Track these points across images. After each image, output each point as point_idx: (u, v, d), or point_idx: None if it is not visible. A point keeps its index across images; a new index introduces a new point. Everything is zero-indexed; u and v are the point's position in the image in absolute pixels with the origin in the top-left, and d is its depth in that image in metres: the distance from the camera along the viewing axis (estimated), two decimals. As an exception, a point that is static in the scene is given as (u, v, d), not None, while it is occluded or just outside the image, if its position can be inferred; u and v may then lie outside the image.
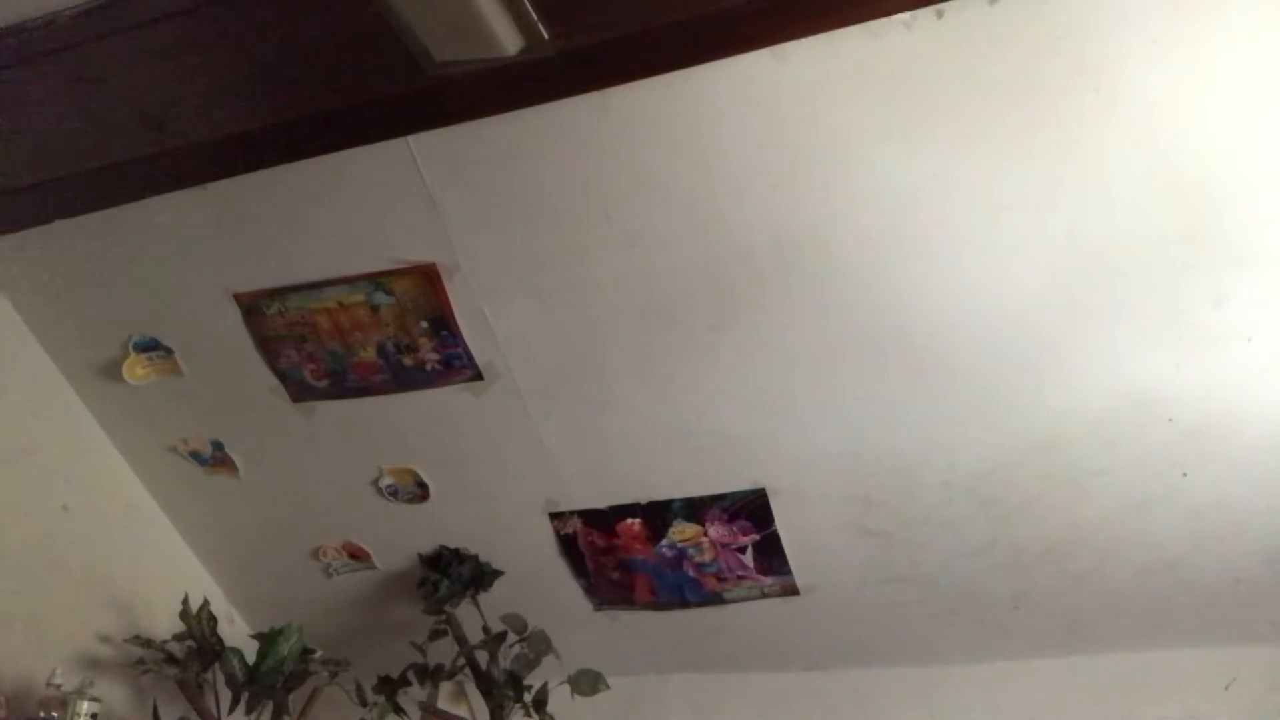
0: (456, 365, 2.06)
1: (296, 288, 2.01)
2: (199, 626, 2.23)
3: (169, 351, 2.20)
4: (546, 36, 1.48)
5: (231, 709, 2.21)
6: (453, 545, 2.44)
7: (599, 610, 2.50)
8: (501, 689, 2.25)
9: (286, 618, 2.26)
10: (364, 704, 2.28)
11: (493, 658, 2.27)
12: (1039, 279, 1.70)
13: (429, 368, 2.07)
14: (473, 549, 2.43)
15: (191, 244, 2.00)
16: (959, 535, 2.10)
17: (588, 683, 2.26)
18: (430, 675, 2.33)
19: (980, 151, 1.57)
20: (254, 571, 2.65)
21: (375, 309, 2.00)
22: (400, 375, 2.10)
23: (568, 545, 2.37)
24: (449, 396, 2.12)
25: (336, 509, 2.44)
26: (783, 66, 1.54)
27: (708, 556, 2.28)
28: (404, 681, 2.33)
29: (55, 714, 2.00)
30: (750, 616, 2.39)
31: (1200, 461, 1.89)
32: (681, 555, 2.30)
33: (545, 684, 2.28)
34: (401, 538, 2.46)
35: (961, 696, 2.34)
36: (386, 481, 2.34)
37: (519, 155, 1.72)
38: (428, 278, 1.93)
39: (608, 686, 2.27)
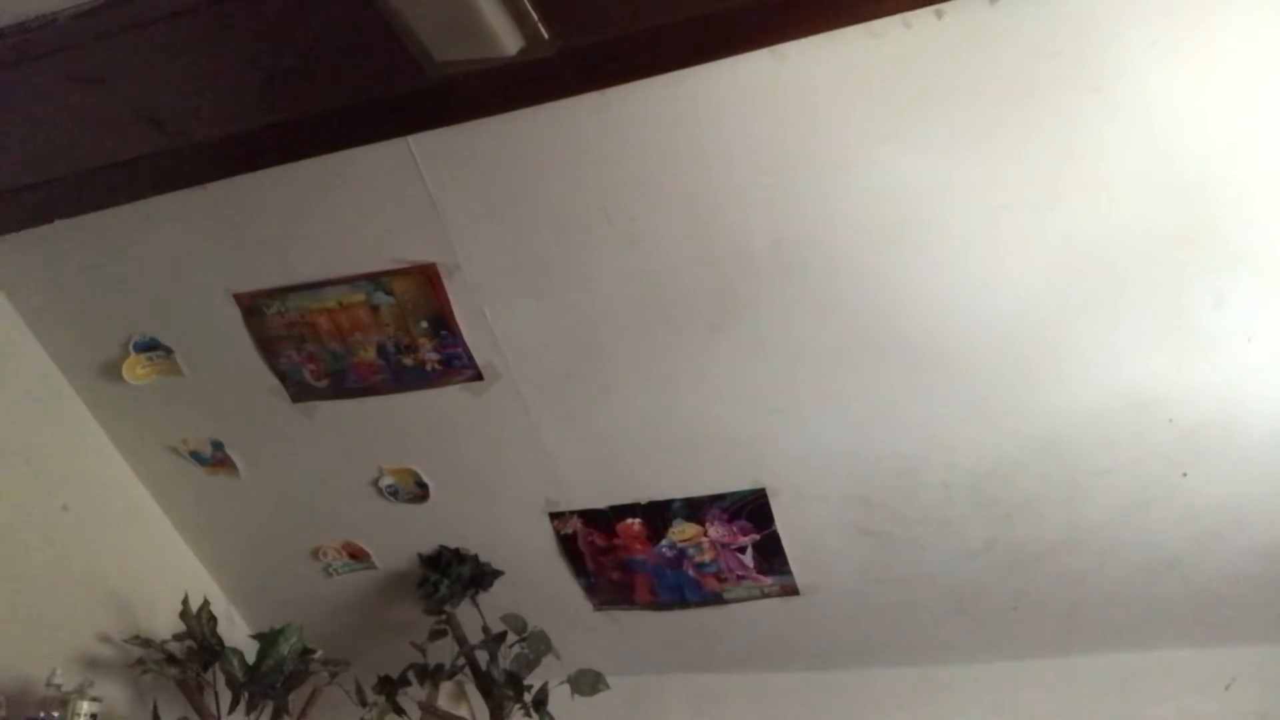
0: (456, 365, 2.06)
1: (296, 288, 2.01)
2: (199, 626, 2.23)
3: (169, 351, 2.20)
4: (546, 36, 1.48)
5: (231, 709, 2.21)
6: (453, 545, 2.44)
7: (599, 610, 2.50)
8: (501, 689, 2.25)
9: (286, 618, 2.27)
10: (364, 704, 2.28)
11: (493, 658, 2.27)
12: (1039, 279, 1.70)
13: (429, 368, 2.07)
14: (473, 549, 2.43)
15: (191, 244, 2.00)
16: (959, 535, 2.10)
17: (588, 683, 2.27)
18: (430, 675, 2.32)
19: (980, 151, 1.57)
20: (254, 571, 2.65)
21: (375, 309, 2.00)
22: (400, 375, 2.10)
23: (568, 545, 2.37)
24: (449, 396, 2.12)
25: (336, 509, 2.43)
26: (782, 66, 1.54)
27: (708, 556, 2.28)
28: (404, 681, 2.33)
29: (55, 714, 2.01)
30: (750, 616, 2.38)
31: (1200, 461, 1.89)
32: (681, 555, 2.30)
33: (545, 684, 2.27)
34: (401, 538, 2.46)
35: (961, 696, 2.34)
36: (386, 481, 2.34)
37: (519, 155, 1.72)
38: (428, 278, 1.93)
39: (608, 686, 2.28)
